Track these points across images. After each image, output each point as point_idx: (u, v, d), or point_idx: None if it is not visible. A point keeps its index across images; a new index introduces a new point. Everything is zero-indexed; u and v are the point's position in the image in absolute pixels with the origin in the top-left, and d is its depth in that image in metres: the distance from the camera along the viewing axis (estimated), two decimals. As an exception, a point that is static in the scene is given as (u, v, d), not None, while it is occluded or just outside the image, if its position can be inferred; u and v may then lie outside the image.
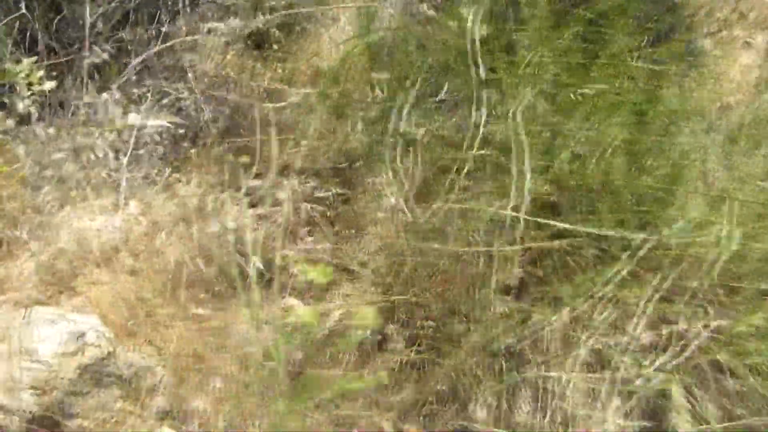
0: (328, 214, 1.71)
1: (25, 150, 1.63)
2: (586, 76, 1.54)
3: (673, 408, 1.24)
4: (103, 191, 1.75)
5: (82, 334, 1.03)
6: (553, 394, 1.25)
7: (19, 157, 1.59)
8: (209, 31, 2.51)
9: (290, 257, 1.53)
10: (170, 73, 2.23)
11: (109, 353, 1.03)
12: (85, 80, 1.80)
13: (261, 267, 1.49)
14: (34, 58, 1.53)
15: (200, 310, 1.33)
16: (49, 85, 1.58)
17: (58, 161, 1.71)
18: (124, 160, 1.78)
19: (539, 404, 1.27)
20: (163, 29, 2.26)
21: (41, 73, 1.55)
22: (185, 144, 1.99)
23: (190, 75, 2.17)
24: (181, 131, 2.03)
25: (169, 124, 1.96)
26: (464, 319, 1.36)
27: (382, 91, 2.24)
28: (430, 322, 1.33)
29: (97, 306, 1.21)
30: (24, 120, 1.67)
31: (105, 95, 1.84)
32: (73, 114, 1.81)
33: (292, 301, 1.55)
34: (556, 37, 1.51)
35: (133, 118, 1.81)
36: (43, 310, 1.11)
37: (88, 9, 1.81)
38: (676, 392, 1.19)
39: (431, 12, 1.93)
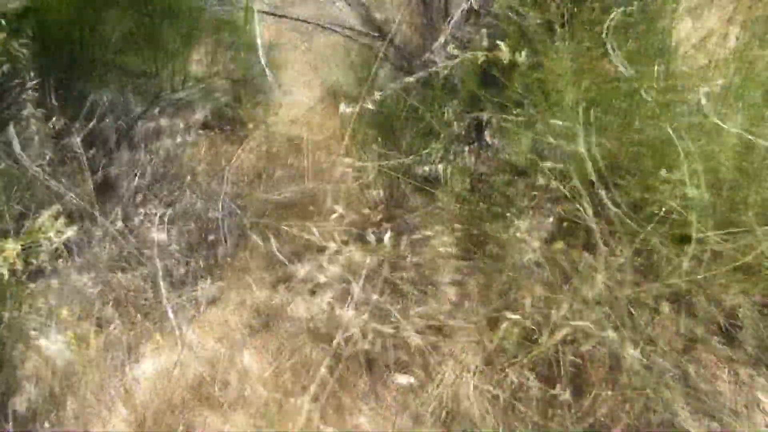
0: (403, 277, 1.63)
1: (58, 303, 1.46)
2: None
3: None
4: (149, 327, 1.59)
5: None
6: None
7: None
8: (186, 130, 2.40)
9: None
10: (163, 182, 2.09)
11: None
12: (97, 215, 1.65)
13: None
14: (55, 208, 1.38)
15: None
16: (71, 231, 1.43)
17: (97, 309, 1.55)
18: (161, 286, 1.64)
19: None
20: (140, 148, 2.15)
21: (61, 220, 1.39)
22: (210, 249, 1.85)
23: (188, 178, 2.06)
24: (198, 232, 1.90)
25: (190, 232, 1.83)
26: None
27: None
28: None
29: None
30: (48, 272, 1.51)
31: (119, 223, 1.69)
32: (91, 251, 1.65)
33: (402, 378, 1.45)
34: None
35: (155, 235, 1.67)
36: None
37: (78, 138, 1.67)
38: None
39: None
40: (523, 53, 1.34)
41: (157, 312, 1.62)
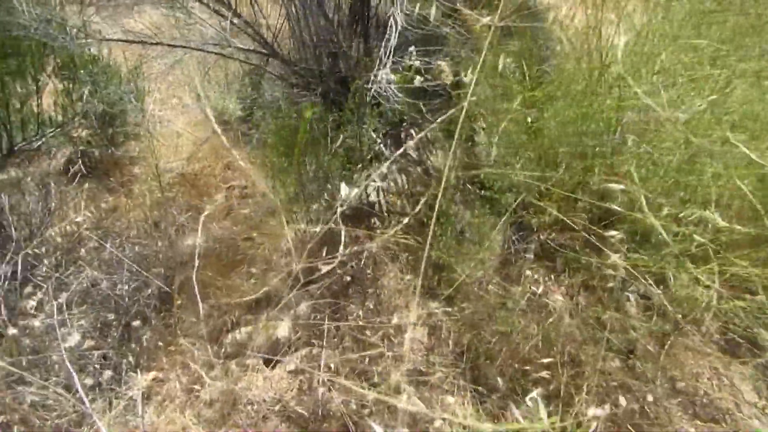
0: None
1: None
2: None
3: None
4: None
5: None
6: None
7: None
8: (56, 185, 2.04)
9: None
10: (48, 259, 1.74)
11: None
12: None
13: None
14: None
15: None
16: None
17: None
18: (82, 394, 1.35)
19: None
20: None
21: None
22: (131, 334, 1.57)
23: (80, 251, 1.72)
24: (110, 316, 1.60)
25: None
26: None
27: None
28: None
29: None
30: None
31: (11, 329, 1.37)
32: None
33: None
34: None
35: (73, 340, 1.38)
36: None
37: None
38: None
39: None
40: (469, 73, 1.24)
41: (83, 428, 1.33)
